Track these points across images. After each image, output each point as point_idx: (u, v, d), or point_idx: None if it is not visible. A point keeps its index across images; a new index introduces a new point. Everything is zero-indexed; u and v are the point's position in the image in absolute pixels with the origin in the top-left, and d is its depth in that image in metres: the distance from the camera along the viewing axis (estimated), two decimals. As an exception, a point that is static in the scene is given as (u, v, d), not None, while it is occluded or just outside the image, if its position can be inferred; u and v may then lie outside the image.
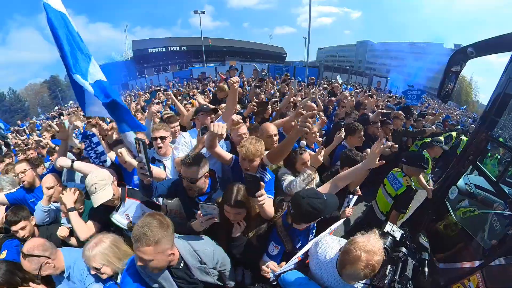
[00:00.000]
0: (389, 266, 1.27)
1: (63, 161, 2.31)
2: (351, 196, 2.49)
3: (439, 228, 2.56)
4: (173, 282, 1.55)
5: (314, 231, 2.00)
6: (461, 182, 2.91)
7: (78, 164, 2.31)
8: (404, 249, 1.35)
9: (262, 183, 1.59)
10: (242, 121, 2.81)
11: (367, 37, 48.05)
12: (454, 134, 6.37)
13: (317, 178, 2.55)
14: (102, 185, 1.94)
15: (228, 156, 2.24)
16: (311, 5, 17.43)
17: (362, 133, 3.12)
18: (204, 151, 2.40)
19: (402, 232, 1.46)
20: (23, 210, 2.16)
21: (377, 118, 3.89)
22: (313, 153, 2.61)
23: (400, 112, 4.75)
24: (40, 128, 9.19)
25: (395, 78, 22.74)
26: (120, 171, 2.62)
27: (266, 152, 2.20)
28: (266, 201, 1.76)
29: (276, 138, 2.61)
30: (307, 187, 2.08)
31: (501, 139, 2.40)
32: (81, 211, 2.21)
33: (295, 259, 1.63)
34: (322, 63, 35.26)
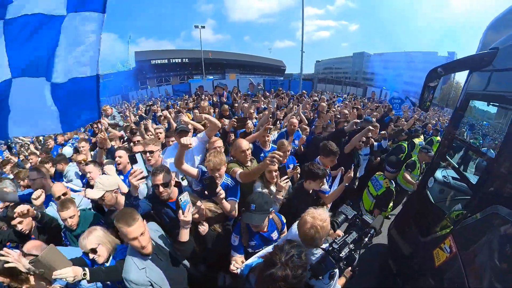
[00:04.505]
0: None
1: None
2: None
3: (422, 212, 3.06)
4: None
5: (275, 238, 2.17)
6: (440, 176, 3.48)
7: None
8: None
9: (217, 182, 2.13)
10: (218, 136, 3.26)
11: (364, 49, 49.12)
12: (436, 139, 6.67)
13: (286, 186, 2.75)
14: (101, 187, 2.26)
15: (195, 171, 2.48)
16: (303, 19, 18.22)
17: (336, 157, 3.08)
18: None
19: (355, 212, 1.86)
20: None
21: (351, 128, 3.81)
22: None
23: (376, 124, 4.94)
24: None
25: (391, 87, 23.52)
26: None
27: (239, 171, 2.49)
28: (229, 202, 2.25)
29: (248, 152, 2.83)
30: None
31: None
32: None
33: (262, 252, 1.86)
34: (316, 76, 36.24)
